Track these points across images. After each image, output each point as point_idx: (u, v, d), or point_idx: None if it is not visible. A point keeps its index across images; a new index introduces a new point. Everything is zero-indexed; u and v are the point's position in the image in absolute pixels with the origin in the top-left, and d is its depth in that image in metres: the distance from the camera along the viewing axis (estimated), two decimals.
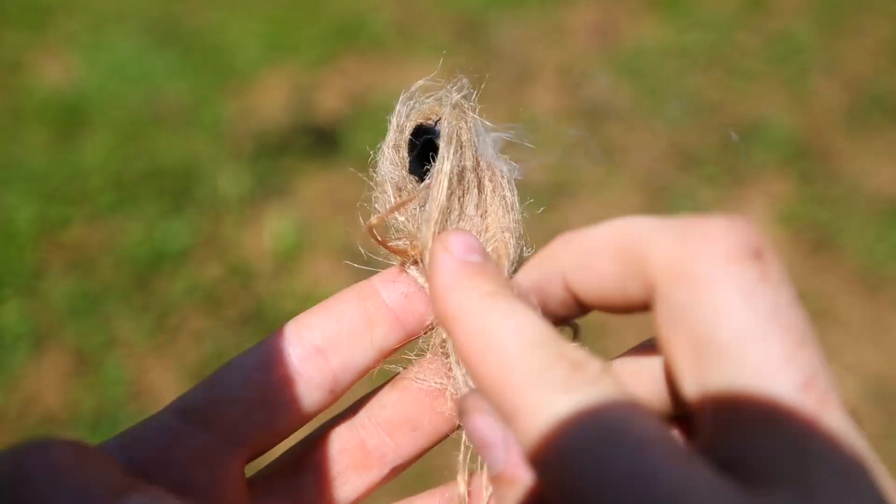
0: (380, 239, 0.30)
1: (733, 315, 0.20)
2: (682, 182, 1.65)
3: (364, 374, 0.30)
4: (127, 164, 1.64)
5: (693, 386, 0.20)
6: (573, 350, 0.21)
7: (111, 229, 1.50)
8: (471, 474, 0.30)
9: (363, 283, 0.31)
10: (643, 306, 0.23)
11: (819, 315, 1.40)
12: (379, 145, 0.32)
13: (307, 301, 1.38)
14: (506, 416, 0.21)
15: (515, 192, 0.30)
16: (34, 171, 1.62)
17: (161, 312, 1.36)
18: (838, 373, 1.31)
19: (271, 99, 1.83)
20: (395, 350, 0.31)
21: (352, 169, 0.33)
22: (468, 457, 0.30)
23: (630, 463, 0.18)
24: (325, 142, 1.72)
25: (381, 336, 0.30)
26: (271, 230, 1.52)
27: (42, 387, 1.25)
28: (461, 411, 0.25)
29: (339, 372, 0.29)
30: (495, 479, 0.24)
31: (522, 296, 0.26)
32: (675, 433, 0.22)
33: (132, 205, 1.55)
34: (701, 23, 2.09)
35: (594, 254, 0.23)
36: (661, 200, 1.61)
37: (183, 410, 0.28)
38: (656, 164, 1.69)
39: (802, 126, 1.78)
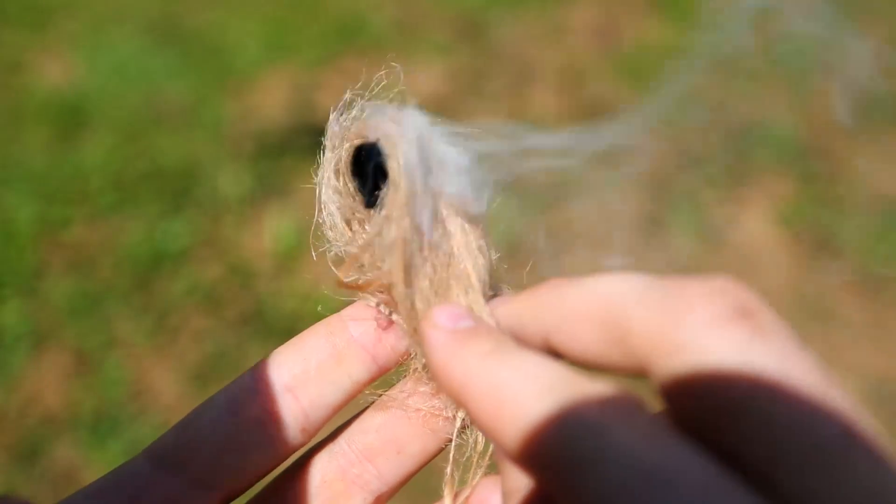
0: (350, 285, 0.29)
1: (734, 375, 0.19)
2: (683, 182, 1.65)
3: (336, 410, 0.30)
4: (127, 165, 1.64)
5: (724, 450, 0.20)
6: (596, 384, 0.21)
7: (111, 229, 1.50)
8: (459, 491, 0.30)
9: (332, 318, 0.30)
10: (632, 374, 0.22)
11: (820, 315, 1.40)
12: (318, 169, 0.30)
13: (307, 301, 1.38)
14: None
15: (475, 202, 0.28)
16: (34, 171, 1.62)
17: (161, 312, 1.36)
18: (839, 373, 1.31)
19: (271, 99, 1.83)
20: (367, 385, 0.30)
21: None
22: (458, 470, 0.30)
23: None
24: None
25: (352, 371, 0.29)
26: (272, 230, 1.52)
27: (42, 387, 1.25)
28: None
29: (310, 410, 0.29)
30: (497, 460, 0.24)
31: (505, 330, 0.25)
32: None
33: (132, 205, 1.55)
34: (702, 23, 2.09)
35: (577, 321, 0.23)
36: (661, 201, 1.61)
37: (155, 455, 0.28)
38: (657, 165, 1.69)
39: (803, 127, 1.78)
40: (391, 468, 0.29)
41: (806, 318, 1.40)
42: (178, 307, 1.37)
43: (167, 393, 1.25)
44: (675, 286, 0.21)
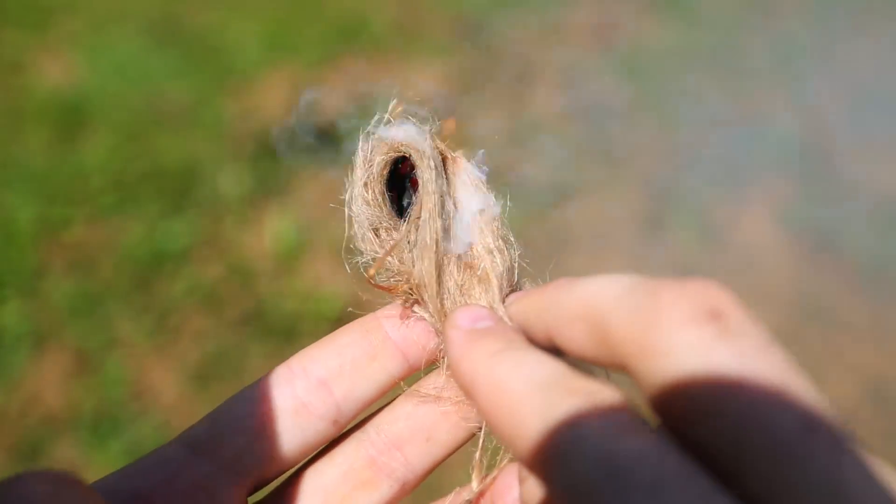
0: (382, 286, 0.31)
1: (697, 374, 0.20)
2: (683, 182, 1.65)
3: (367, 405, 0.31)
4: (128, 165, 1.64)
5: (699, 446, 0.21)
6: (587, 383, 0.22)
7: (112, 229, 1.51)
8: (485, 476, 0.31)
9: (367, 317, 0.31)
10: (618, 371, 0.23)
11: (820, 316, 1.40)
12: (347, 184, 0.32)
13: (308, 301, 1.38)
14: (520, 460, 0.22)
15: (494, 203, 0.31)
16: (35, 171, 1.62)
17: (162, 312, 1.36)
18: (839, 373, 1.31)
19: (272, 99, 1.83)
20: (399, 381, 0.31)
21: None
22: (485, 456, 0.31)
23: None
24: (325, 142, 1.72)
25: (385, 368, 0.30)
26: (272, 230, 1.52)
27: (43, 387, 1.25)
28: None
29: (342, 403, 0.30)
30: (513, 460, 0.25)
31: (516, 328, 0.27)
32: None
33: (133, 205, 1.55)
34: (702, 23, 2.09)
35: (569, 322, 0.24)
36: (661, 201, 1.61)
37: (188, 441, 0.29)
38: (657, 165, 1.69)
39: (804, 126, 1.78)
40: (419, 455, 0.30)
41: (806, 318, 1.40)
42: (179, 307, 1.37)
43: (168, 393, 1.25)
44: (654, 289, 0.22)
